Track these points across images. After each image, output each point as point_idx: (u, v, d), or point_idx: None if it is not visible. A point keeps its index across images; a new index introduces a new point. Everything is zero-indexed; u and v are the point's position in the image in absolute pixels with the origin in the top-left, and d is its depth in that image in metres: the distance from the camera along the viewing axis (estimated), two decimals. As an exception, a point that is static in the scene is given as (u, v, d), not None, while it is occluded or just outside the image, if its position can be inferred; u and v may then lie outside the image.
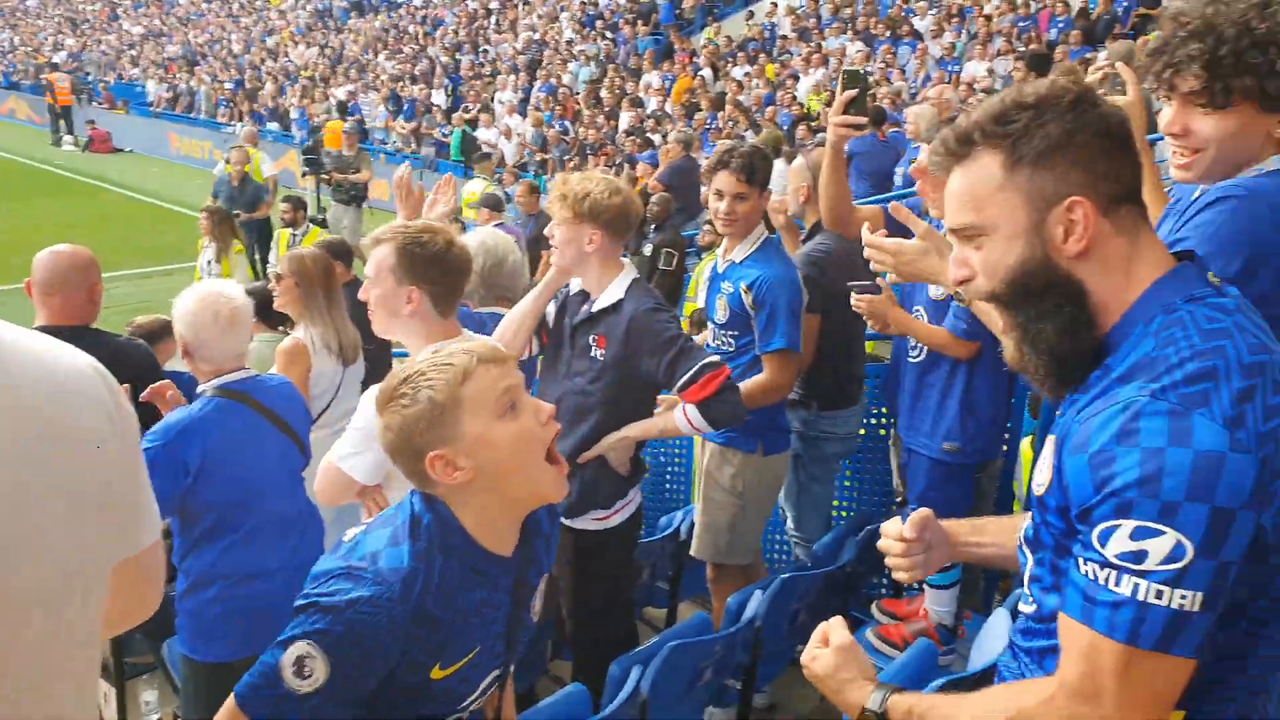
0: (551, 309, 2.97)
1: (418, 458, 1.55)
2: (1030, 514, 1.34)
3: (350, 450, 2.33)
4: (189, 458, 2.63)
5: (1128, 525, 1.10)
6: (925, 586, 3.31)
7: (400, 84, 20.70)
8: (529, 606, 1.76)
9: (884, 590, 3.89)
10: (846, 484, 4.23)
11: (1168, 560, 1.09)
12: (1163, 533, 1.08)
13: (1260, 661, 1.23)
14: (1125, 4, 13.59)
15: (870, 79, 3.03)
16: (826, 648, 1.45)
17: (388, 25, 25.36)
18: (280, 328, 4.51)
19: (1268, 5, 1.63)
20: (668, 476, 4.81)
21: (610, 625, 2.98)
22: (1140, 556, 1.10)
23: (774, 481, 3.49)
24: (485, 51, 21.51)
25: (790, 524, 3.86)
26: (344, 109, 17.03)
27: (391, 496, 2.38)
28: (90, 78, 29.16)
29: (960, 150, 1.27)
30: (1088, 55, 11.01)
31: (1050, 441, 1.28)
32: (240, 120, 22.77)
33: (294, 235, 8.72)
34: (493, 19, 23.42)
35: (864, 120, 2.87)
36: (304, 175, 12.09)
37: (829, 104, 13.37)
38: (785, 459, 3.48)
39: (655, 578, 3.83)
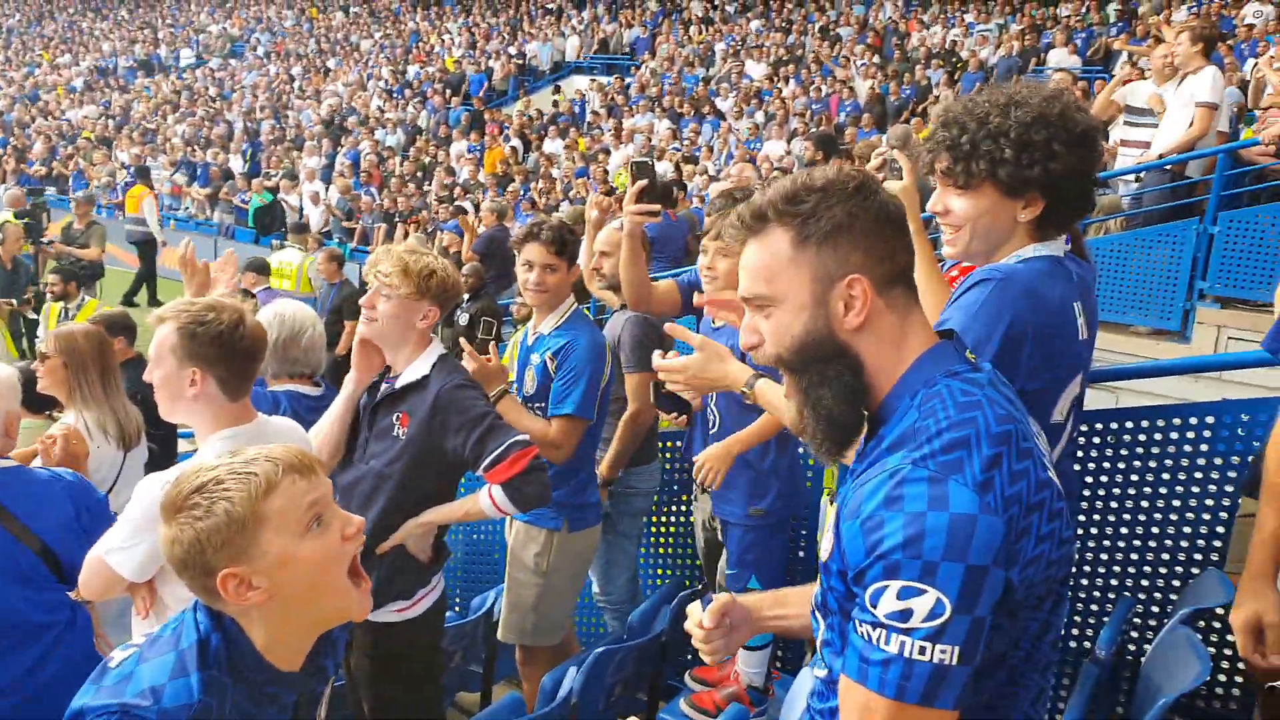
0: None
1: (208, 574, 1.39)
2: (819, 580, 1.41)
3: (120, 544, 2.11)
4: None
5: (895, 585, 1.19)
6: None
7: (191, 148, 19.66)
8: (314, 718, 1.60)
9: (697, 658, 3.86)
10: (660, 549, 4.22)
11: (929, 617, 1.18)
12: (924, 591, 1.18)
13: (1024, 709, 1.35)
14: (907, 92, 14.89)
15: (652, 165, 3.21)
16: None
17: (179, 87, 24.17)
18: (48, 413, 4.06)
19: (1008, 106, 1.87)
20: (480, 555, 4.64)
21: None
22: (906, 615, 1.19)
23: (581, 559, 3.41)
24: (287, 117, 20.85)
25: (596, 588, 3.81)
26: (145, 174, 15.68)
27: (164, 591, 2.16)
28: None
29: (754, 225, 1.36)
30: (873, 138, 11.88)
31: (832, 511, 1.38)
32: (3, 182, 20.90)
33: (65, 309, 7.94)
34: (295, 84, 22.81)
35: (657, 208, 2.92)
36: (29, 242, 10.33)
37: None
38: (593, 534, 3.42)
39: (468, 661, 3.67)
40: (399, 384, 2.68)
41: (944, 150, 1.90)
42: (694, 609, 1.60)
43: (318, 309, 9.14)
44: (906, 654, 1.19)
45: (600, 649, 2.97)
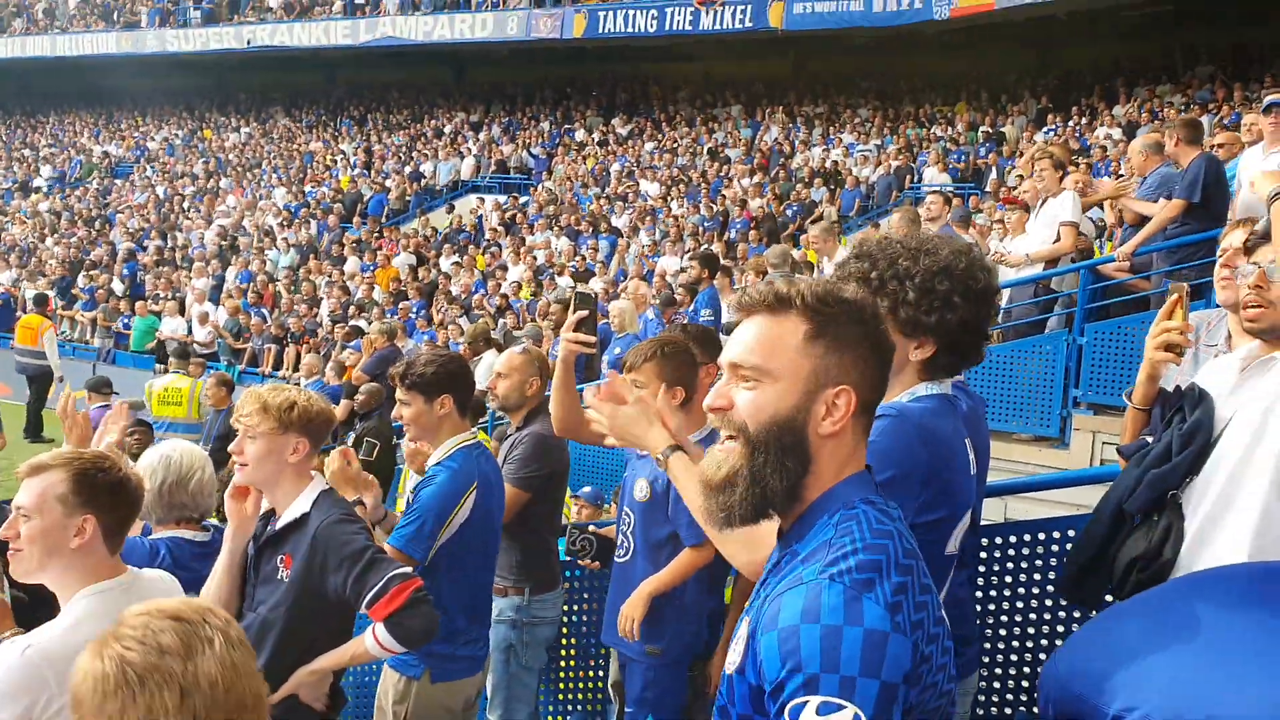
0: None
1: None
2: (719, 696, 1.42)
3: None
4: None
5: (814, 701, 1.21)
6: None
7: (69, 270, 18.97)
8: None
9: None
10: (565, 681, 4.09)
11: None
12: (843, 707, 1.20)
13: None
14: (793, 209, 15.60)
15: (594, 297, 3.26)
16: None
17: (59, 209, 23.49)
18: None
19: (918, 252, 2.00)
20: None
21: None
22: None
23: (445, 711, 3.22)
24: (175, 237, 20.42)
25: (491, 714, 3.66)
26: (43, 302, 14.63)
27: None
28: None
29: (776, 306, 1.43)
30: (762, 255, 12.32)
31: (745, 624, 1.38)
32: None
33: None
34: (185, 204, 22.44)
35: (593, 340, 2.93)
36: None
37: (535, 295, 14.05)
38: (458, 689, 3.23)
39: None
40: (279, 524, 2.60)
41: (852, 279, 1.99)
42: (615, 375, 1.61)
43: (203, 436, 8.81)
44: None
45: None
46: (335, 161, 23.37)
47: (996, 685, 3.17)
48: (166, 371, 11.21)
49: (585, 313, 2.92)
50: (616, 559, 3.23)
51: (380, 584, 2.44)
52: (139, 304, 16.28)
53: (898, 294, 1.96)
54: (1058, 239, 6.58)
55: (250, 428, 2.59)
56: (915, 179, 16.09)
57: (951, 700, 1.37)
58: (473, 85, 26.13)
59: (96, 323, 16.77)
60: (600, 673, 4.08)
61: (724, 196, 16.83)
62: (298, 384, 13.29)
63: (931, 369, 2.01)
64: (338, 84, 27.83)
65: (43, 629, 2.08)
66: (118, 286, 17.84)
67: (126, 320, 16.23)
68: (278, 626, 2.53)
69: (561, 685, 4.11)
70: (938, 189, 10.95)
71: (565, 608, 3.96)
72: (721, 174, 18.09)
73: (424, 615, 2.48)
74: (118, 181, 25.28)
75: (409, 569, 2.53)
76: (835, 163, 17.58)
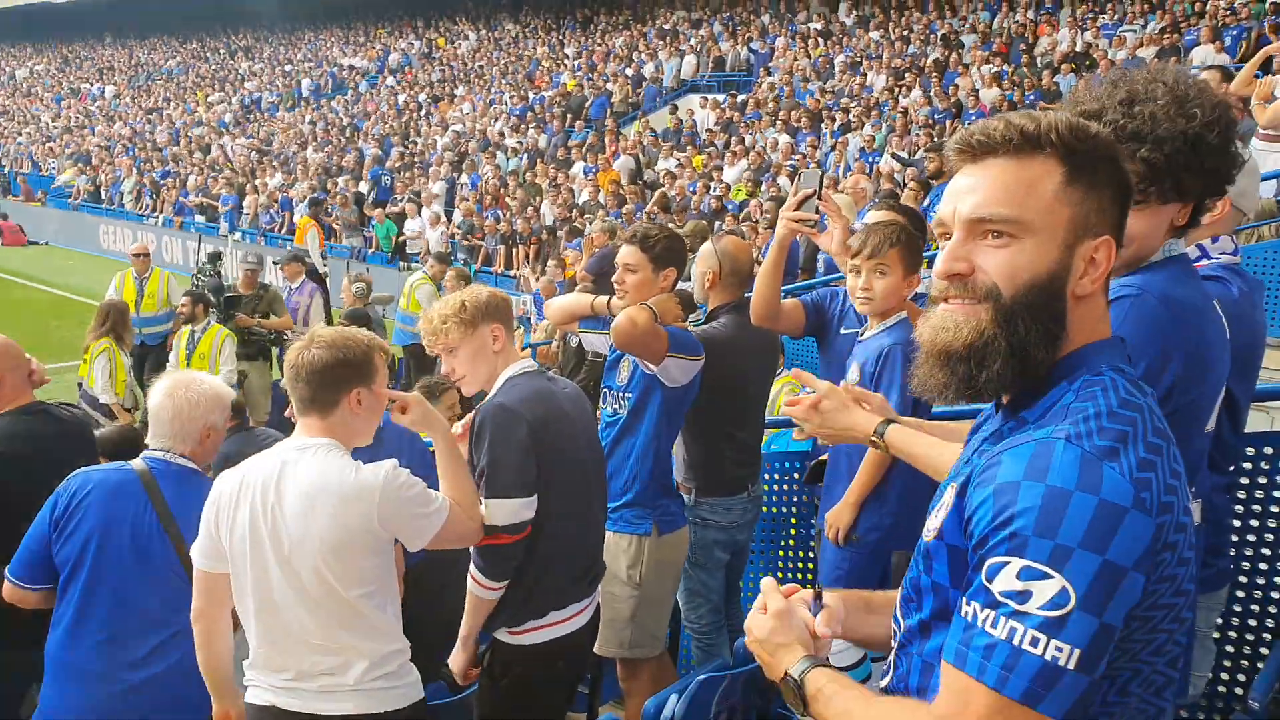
0: None
1: None
2: (911, 568, 1.30)
3: None
4: None
5: (1017, 564, 1.07)
6: None
7: (328, 176, 20.67)
8: None
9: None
10: (781, 575, 4.16)
11: (1050, 606, 1.05)
12: (1050, 576, 1.05)
13: None
14: (1031, 97, 14.35)
15: (820, 175, 3.14)
16: (766, 614, 1.40)
17: (315, 119, 25.49)
18: None
19: (1184, 101, 1.67)
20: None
21: None
22: (1024, 597, 1.06)
23: (672, 567, 3.34)
24: (415, 143, 21.68)
25: (684, 615, 3.72)
26: (317, 204, 16.10)
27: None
28: (6, 169, 28.62)
29: (1021, 146, 1.22)
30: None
31: (951, 489, 1.24)
32: (160, 211, 22.46)
33: (193, 332, 7.84)
34: (423, 111, 23.71)
35: (816, 218, 2.83)
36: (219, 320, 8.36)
37: (752, 195, 13.84)
38: (682, 538, 3.36)
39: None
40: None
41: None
42: (796, 610, 1.42)
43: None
44: (1016, 642, 1.06)
45: (704, 675, 2.86)
46: (559, 65, 23.81)
47: (1247, 608, 2.92)
48: (411, 269, 12.09)
49: (810, 190, 2.80)
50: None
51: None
52: (377, 211, 17.42)
53: (1175, 154, 1.67)
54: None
55: (445, 346, 2.68)
56: (1180, 61, 14.28)
57: (1191, 603, 1.18)
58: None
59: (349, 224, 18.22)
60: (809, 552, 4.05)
61: (957, 86, 15.71)
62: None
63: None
64: (561, -13, 28.15)
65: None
66: (365, 189, 19.26)
67: (372, 223, 17.52)
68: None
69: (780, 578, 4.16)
70: (1216, 66, 9.63)
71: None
72: (957, 61, 16.86)
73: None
74: (363, 92, 27.05)
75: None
76: (1088, 45, 15.90)
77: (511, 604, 2.68)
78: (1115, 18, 16.66)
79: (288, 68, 31.04)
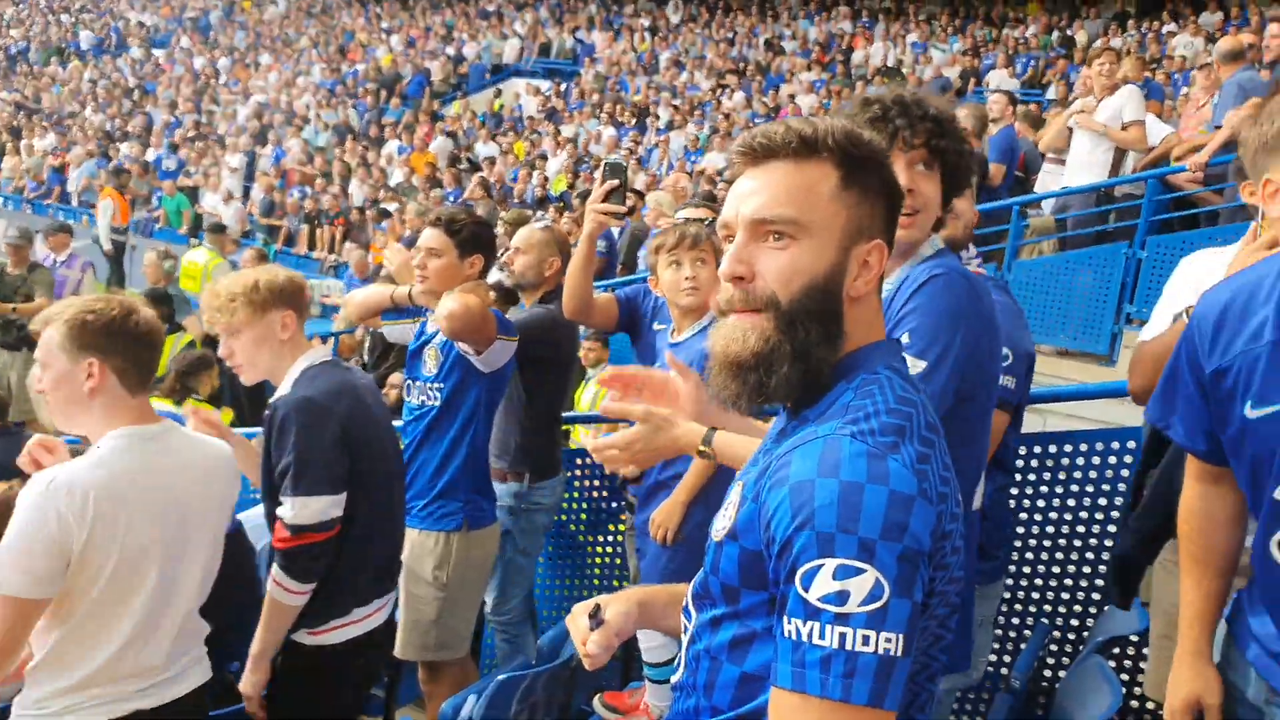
0: None
1: None
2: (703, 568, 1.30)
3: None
4: None
5: (831, 564, 1.08)
6: (647, 680, 3.11)
7: (110, 141, 18.88)
8: None
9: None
10: (583, 574, 4.11)
11: (868, 600, 1.06)
12: (863, 570, 1.07)
13: None
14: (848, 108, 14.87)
15: (625, 168, 3.21)
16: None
17: (96, 76, 23.27)
18: None
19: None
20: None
21: None
22: (843, 598, 1.07)
23: (480, 569, 3.27)
24: (212, 112, 20.17)
25: (490, 608, 3.63)
26: (119, 172, 14.27)
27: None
28: None
29: (804, 149, 1.24)
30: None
31: (737, 488, 1.27)
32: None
33: None
34: (221, 79, 22.12)
35: (624, 210, 2.86)
36: None
37: (570, 187, 13.66)
38: (491, 535, 3.29)
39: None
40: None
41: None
42: (577, 618, 1.44)
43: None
44: (848, 646, 1.06)
45: (504, 675, 2.76)
46: (375, 38, 22.81)
47: (1014, 595, 3.13)
48: (196, 247, 11.14)
49: (615, 183, 2.84)
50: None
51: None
52: (167, 183, 16.11)
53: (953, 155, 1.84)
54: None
55: (227, 327, 2.50)
56: (979, 82, 15.24)
57: (959, 590, 1.23)
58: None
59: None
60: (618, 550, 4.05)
61: (777, 91, 16.10)
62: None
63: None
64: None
65: (68, 464, 2.10)
66: (153, 157, 17.72)
67: (159, 195, 16.13)
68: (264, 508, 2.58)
69: (584, 576, 4.12)
70: (1004, 90, 10.34)
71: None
72: (778, 67, 17.30)
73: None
74: (155, 52, 24.93)
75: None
76: (899, 60, 16.70)
77: (318, 604, 2.55)
78: (924, 37, 17.58)
79: (63, 17, 28.19)
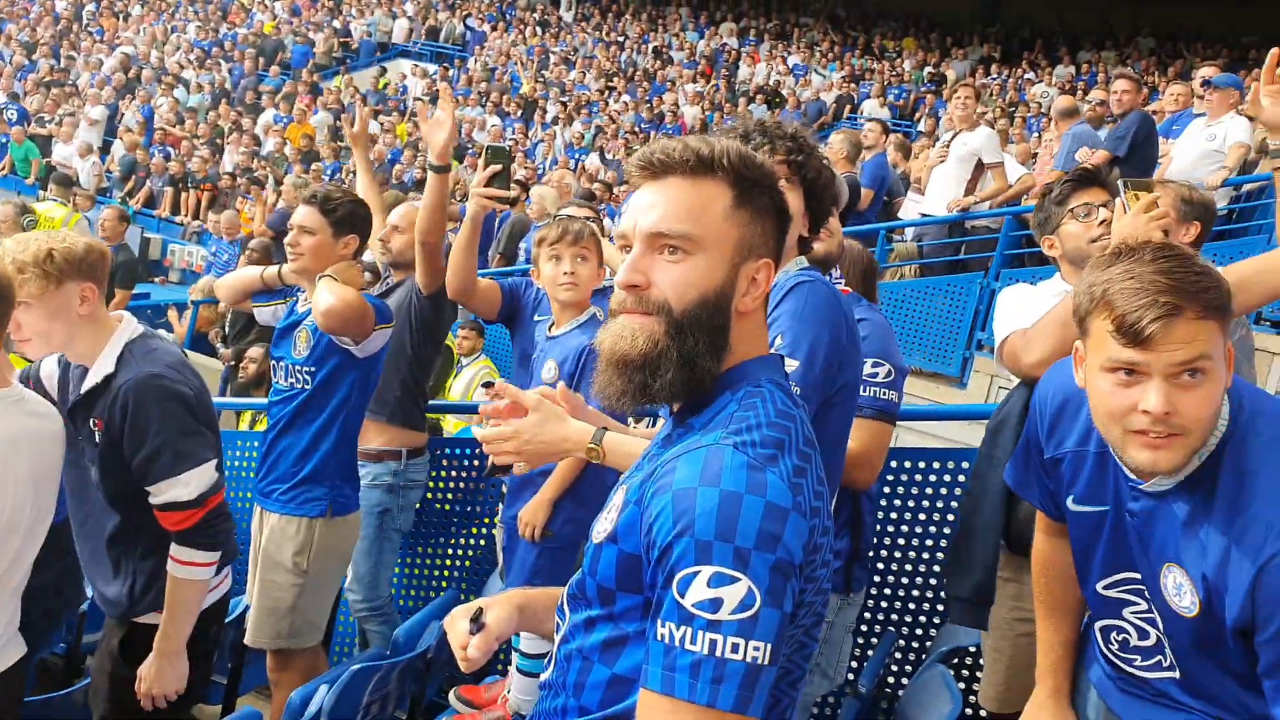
0: None
1: None
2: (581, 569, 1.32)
3: None
4: None
5: (707, 571, 1.10)
6: (516, 672, 3.13)
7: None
8: None
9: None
10: (445, 562, 4.03)
11: (740, 609, 1.09)
12: (737, 579, 1.10)
13: None
14: (729, 122, 15.27)
15: (508, 152, 3.18)
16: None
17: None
18: None
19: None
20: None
21: None
22: (716, 605, 1.10)
23: (342, 557, 3.21)
24: (72, 59, 18.90)
25: (359, 594, 3.56)
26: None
27: None
28: None
29: (700, 168, 1.29)
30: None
31: (620, 492, 1.29)
32: None
33: None
34: (85, 24, 20.75)
35: (508, 194, 2.84)
36: None
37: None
38: (355, 523, 3.23)
39: (212, 671, 3.29)
40: (83, 389, 2.42)
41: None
42: (457, 622, 1.45)
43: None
44: (718, 653, 1.09)
45: (358, 665, 2.73)
46: (258, 3, 21.87)
47: (866, 605, 3.19)
48: (43, 199, 10.45)
49: (499, 167, 2.85)
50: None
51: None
52: (15, 130, 15.03)
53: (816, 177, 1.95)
54: (973, 176, 6.68)
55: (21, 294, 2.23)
56: (853, 109, 15.92)
57: (825, 602, 1.29)
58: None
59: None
60: (482, 543, 4.02)
61: (662, 99, 16.36)
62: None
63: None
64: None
65: None
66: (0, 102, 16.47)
67: (4, 141, 15.00)
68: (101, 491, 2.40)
69: (444, 564, 4.04)
70: (878, 119, 10.84)
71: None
72: (665, 78, 17.57)
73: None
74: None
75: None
76: (778, 81, 17.24)
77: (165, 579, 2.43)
78: (805, 59, 18.21)
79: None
